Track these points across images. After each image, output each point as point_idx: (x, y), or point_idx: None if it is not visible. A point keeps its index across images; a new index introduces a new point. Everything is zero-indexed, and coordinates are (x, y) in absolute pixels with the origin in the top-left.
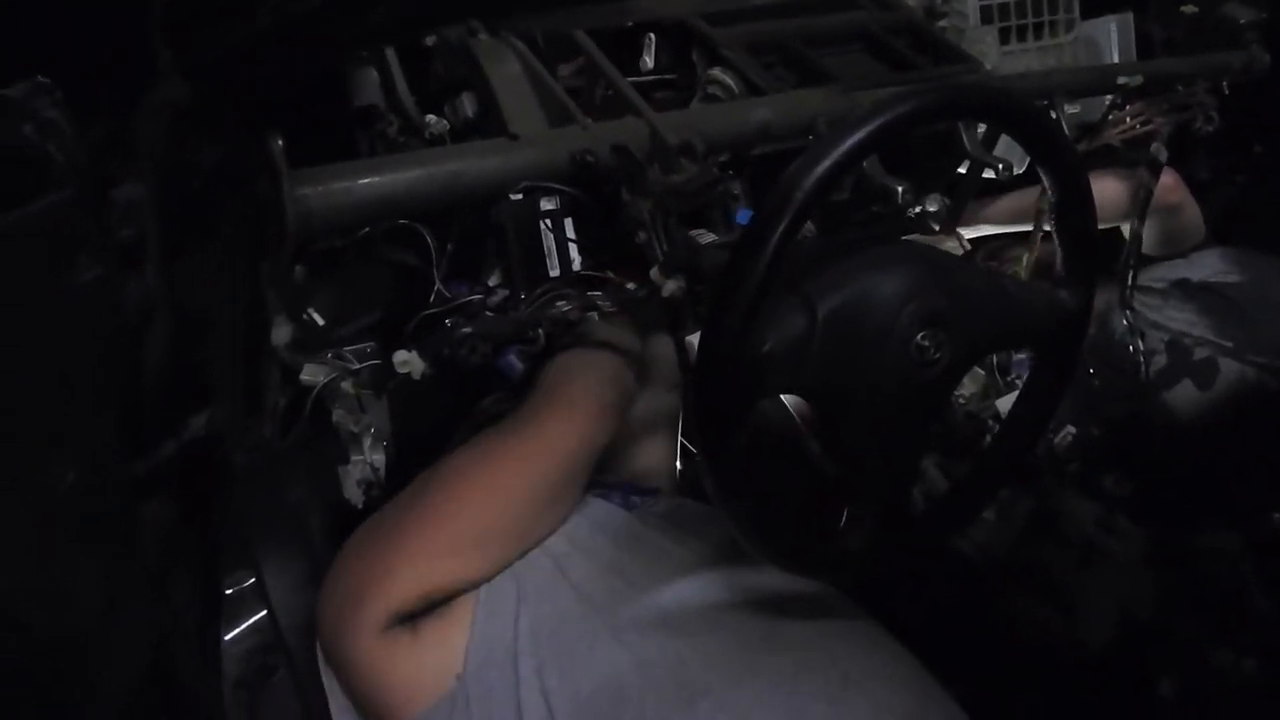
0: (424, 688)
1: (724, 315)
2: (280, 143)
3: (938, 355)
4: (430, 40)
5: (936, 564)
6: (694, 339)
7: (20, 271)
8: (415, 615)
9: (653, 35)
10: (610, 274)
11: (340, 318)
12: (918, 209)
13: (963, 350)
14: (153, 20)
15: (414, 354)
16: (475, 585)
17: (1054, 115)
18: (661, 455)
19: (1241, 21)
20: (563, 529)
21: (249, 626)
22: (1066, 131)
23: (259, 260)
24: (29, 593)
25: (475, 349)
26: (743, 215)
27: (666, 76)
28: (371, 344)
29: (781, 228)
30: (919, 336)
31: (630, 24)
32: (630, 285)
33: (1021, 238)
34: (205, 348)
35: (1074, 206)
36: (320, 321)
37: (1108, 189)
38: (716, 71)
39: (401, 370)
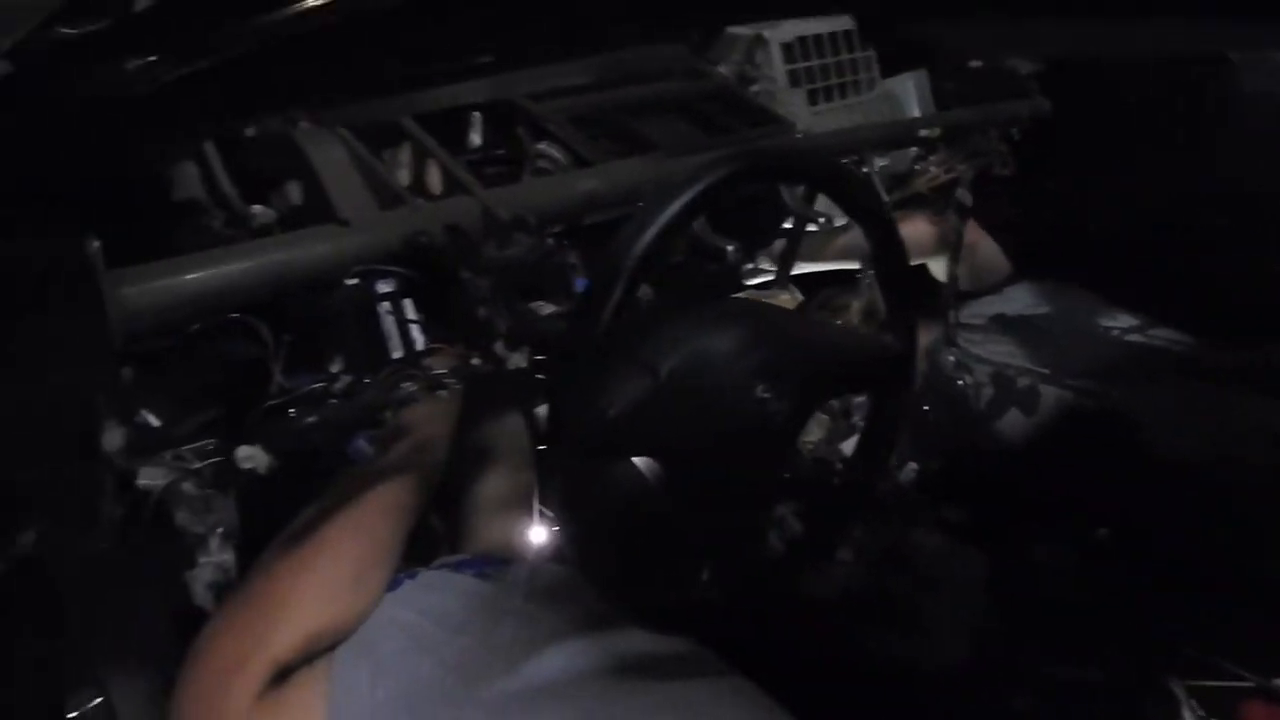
0: None
1: (567, 384)
2: (97, 244)
3: (777, 405)
4: (251, 131)
5: (797, 609)
6: (544, 410)
7: None
8: (288, 672)
9: (477, 114)
10: (454, 350)
11: (177, 416)
12: (750, 266)
13: (800, 398)
14: None
15: (258, 449)
16: (352, 628)
17: (865, 168)
18: (515, 533)
19: (1023, 73)
20: (406, 601)
21: None
22: (876, 185)
23: (82, 365)
24: None
25: (321, 437)
26: (581, 284)
27: (495, 153)
28: (213, 441)
29: (615, 296)
30: (758, 389)
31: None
32: (475, 360)
33: (850, 285)
34: (27, 461)
35: (889, 255)
36: (155, 422)
37: (917, 230)
38: (543, 146)
39: (245, 466)
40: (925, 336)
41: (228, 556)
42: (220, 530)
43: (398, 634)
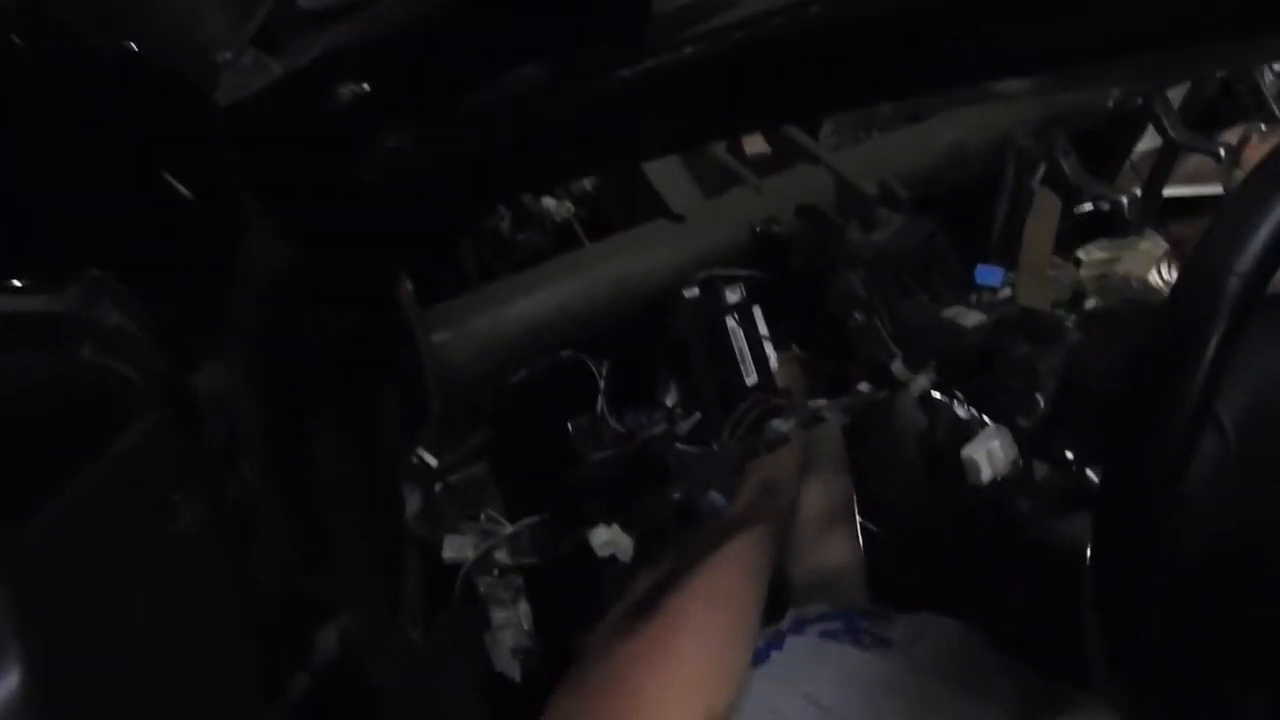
0: None
1: (1148, 457)
2: (410, 288)
3: None
4: None
5: None
6: (975, 455)
7: (107, 539)
8: None
9: None
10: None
11: (446, 444)
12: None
13: None
14: (221, 160)
15: (616, 529)
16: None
17: None
18: (848, 551)
19: None
20: (782, 681)
21: None
22: None
23: (391, 434)
24: None
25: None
26: (987, 274)
27: None
28: (482, 464)
29: (1220, 331)
30: None
31: None
32: (863, 386)
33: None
34: (324, 546)
35: None
36: (432, 462)
37: None
38: None
39: (604, 553)
40: None
41: (525, 607)
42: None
43: None
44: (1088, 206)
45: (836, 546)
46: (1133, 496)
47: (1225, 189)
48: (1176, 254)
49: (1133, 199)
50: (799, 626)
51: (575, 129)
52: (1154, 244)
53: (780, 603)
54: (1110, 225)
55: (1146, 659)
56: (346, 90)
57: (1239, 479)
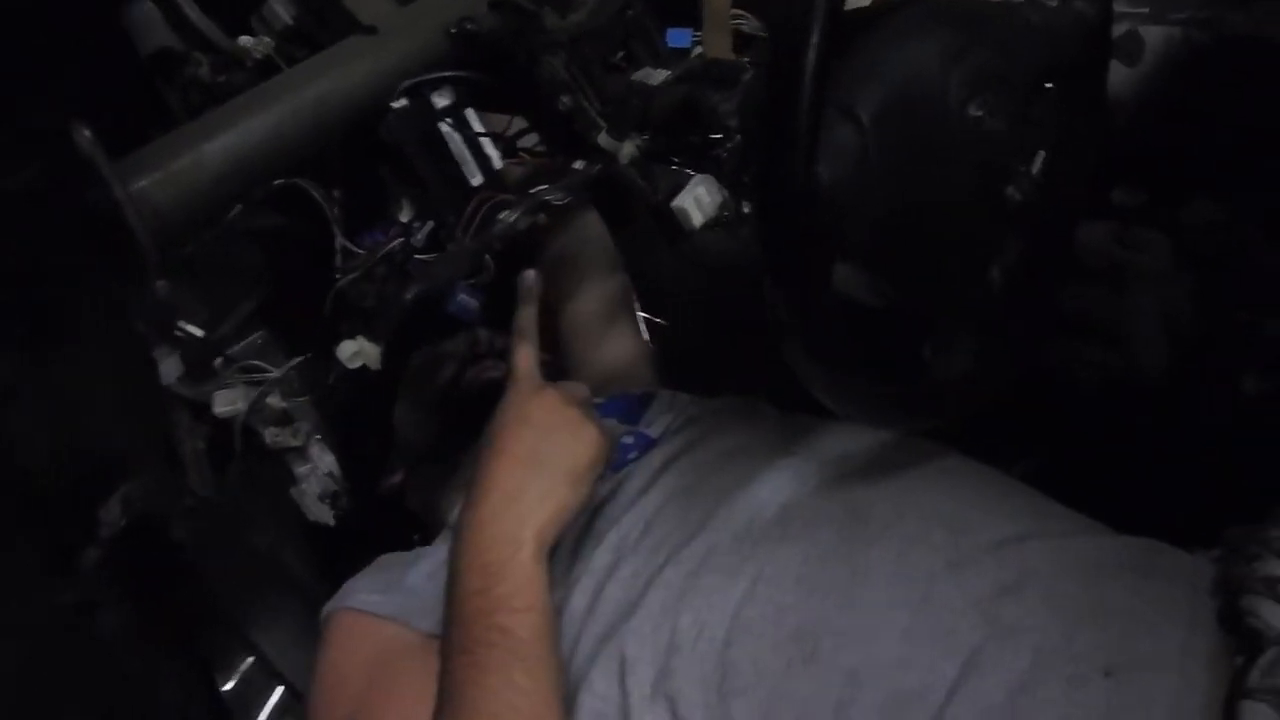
0: None
1: (782, 156)
2: (88, 133)
3: (993, 123)
4: None
5: None
6: (684, 204)
7: None
8: None
9: None
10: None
11: (215, 317)
12: None
13: (1013, 105)
14: None
15: (361, 340)
16: None
17: None
18: (631, 344)
19: None
20: None
21: (273, 709)
22: None
23: (120, 293)
24: None
25: (425, 305)
26: (676, 36)
27: None
28: (261, 333)
29: (815, 36)
30: (970, 108)
31: None
32: (577, 164)
33: None
34: (89, 419)
35: None
36: (198, 333)
37: None
38: None
39: (354, 364)
40: None
41: (328, 458)
42: (313, 433)
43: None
44: None
45: (618, 342)
46: (775, 196)
47: None
48: None
49: None
50: None
51: None
52: None
53: None
54: None
55: (835, 337)
56: None
57: (880, 164)
